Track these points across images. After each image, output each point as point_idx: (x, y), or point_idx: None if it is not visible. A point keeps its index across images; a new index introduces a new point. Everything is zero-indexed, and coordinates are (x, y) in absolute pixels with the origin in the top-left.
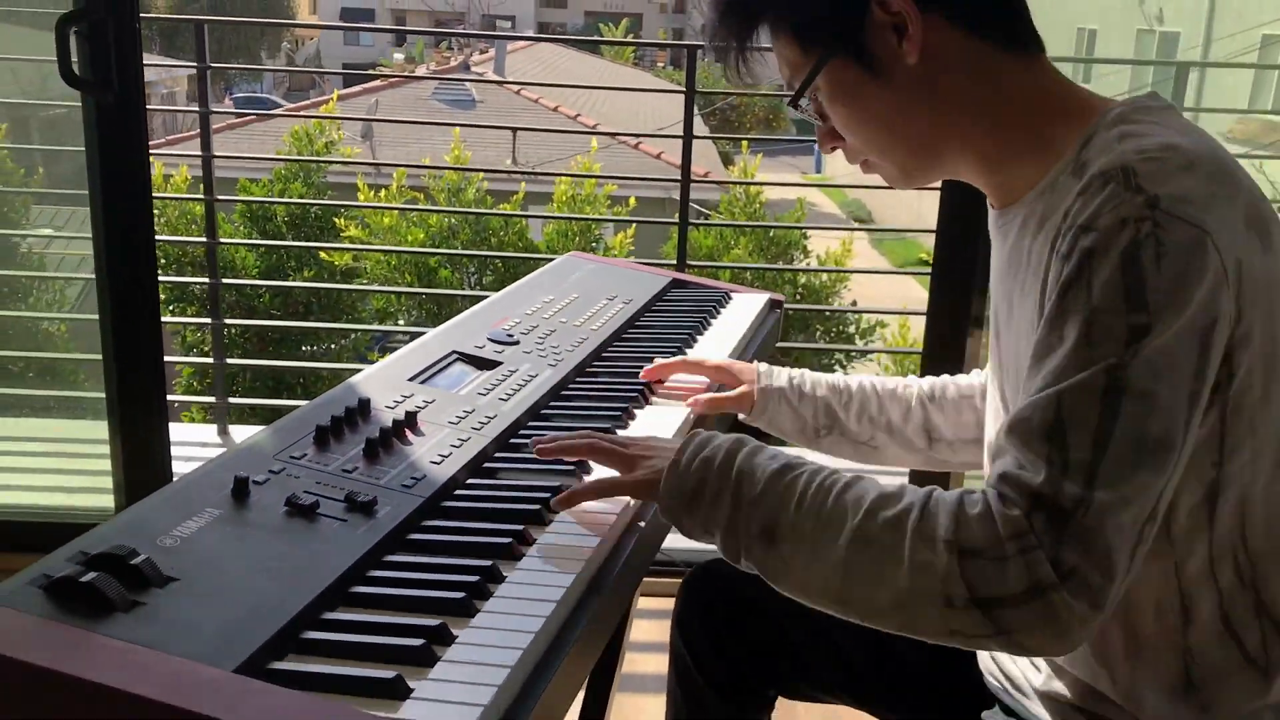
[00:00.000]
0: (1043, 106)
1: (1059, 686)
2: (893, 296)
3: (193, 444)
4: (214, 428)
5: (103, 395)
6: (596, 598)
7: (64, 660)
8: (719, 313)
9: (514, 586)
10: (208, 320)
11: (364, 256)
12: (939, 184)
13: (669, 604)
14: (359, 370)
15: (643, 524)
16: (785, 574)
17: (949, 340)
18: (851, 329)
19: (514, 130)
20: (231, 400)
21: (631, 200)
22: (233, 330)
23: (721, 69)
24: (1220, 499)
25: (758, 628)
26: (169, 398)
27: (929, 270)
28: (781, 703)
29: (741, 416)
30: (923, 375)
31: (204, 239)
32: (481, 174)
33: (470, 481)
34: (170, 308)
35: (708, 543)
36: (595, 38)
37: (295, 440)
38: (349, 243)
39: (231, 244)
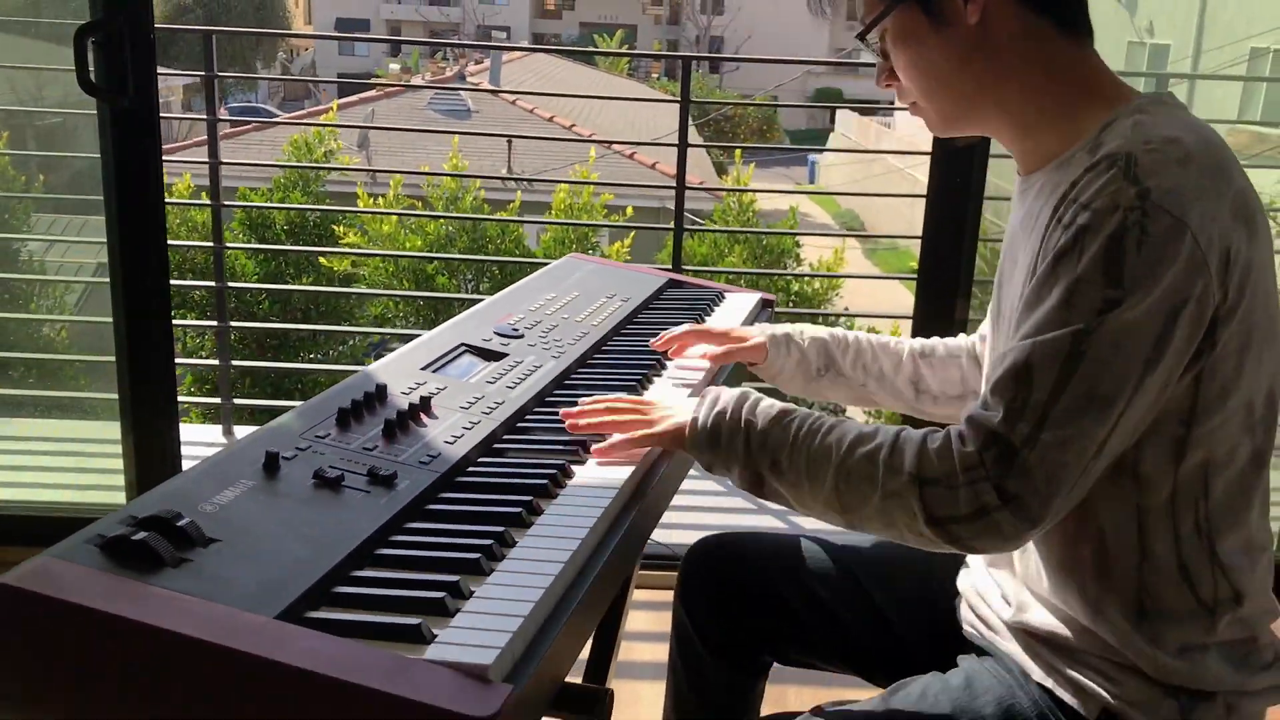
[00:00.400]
0: (1080, 86)
1: (1026, 619)
2: (886, 304)
3: (199, 444)
4: (219, 428)
5: (106, 396)
6: (600, 560)
7: (122, 606)
8: (713, 310)
9: (524, 549)
10: (213, 323)
11: (362, 263)
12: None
13: (666, 596)
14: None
15: (645, 493)
16: (796, 499)
17: None
18: None
19: (509, 140)
20: (237, 401)
21: (629, 209)
22: (233, 335)
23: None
24: (1187, 456)
25: (755, 597)
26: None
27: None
28: (775, 691)
29: (751, 366)
30: None
31: (211, 243)
32: (479, 183)
33: (481, 459)
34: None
35: (729, 477)
36: (590, 49)
37: (319, 421)
38: (348, 249)
39: (237, 249)
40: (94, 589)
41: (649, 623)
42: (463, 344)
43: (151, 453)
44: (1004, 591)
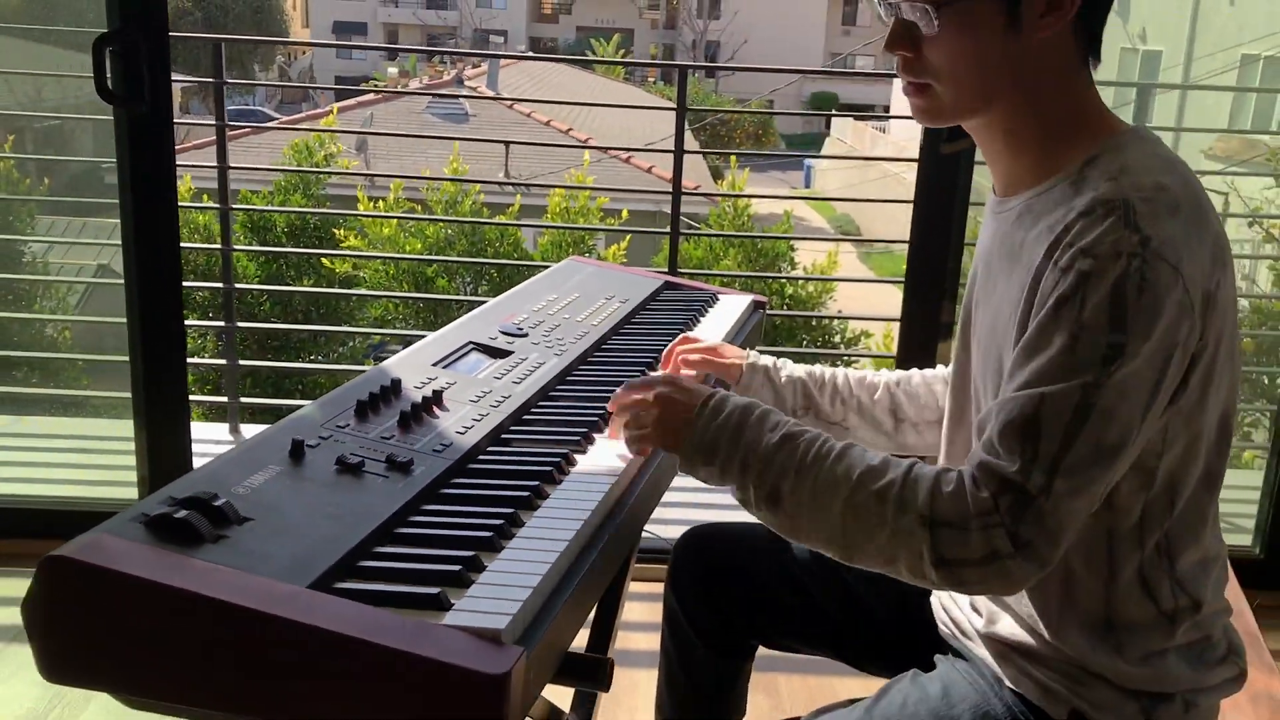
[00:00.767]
0: (1077, 116)
1: (996, 629)
2: (880, 306)
3: (207, 441)
4: (225, 426)
5: (118, 394)
6: (601, 539)
7: (169, 576)
8: (707, 311)
9: (532, 529)
10: (220, 324)
11: (363, 266)
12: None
13: (658, 588)
14: (364, 372)
15: (643, 480)
16: (791, 531)
17: (921, 344)
18: (837, 338)
19: (506, 145)
20: (243, 400)
21: (624, 213)
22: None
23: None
24: (1156, 481)
25: (742, 585)
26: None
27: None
28: (765, 679)
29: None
30: None
31: (219, 246)
32: (478, 187)
33: (490, 448)
34: None
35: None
36: (588, 58)
37: (339, 413)
38: (350, 252)
39: (244, 251)
40: (142, 561)
41: (644, 613)
42: (471, 342)
43: (163, 449)
44: (974, 602)
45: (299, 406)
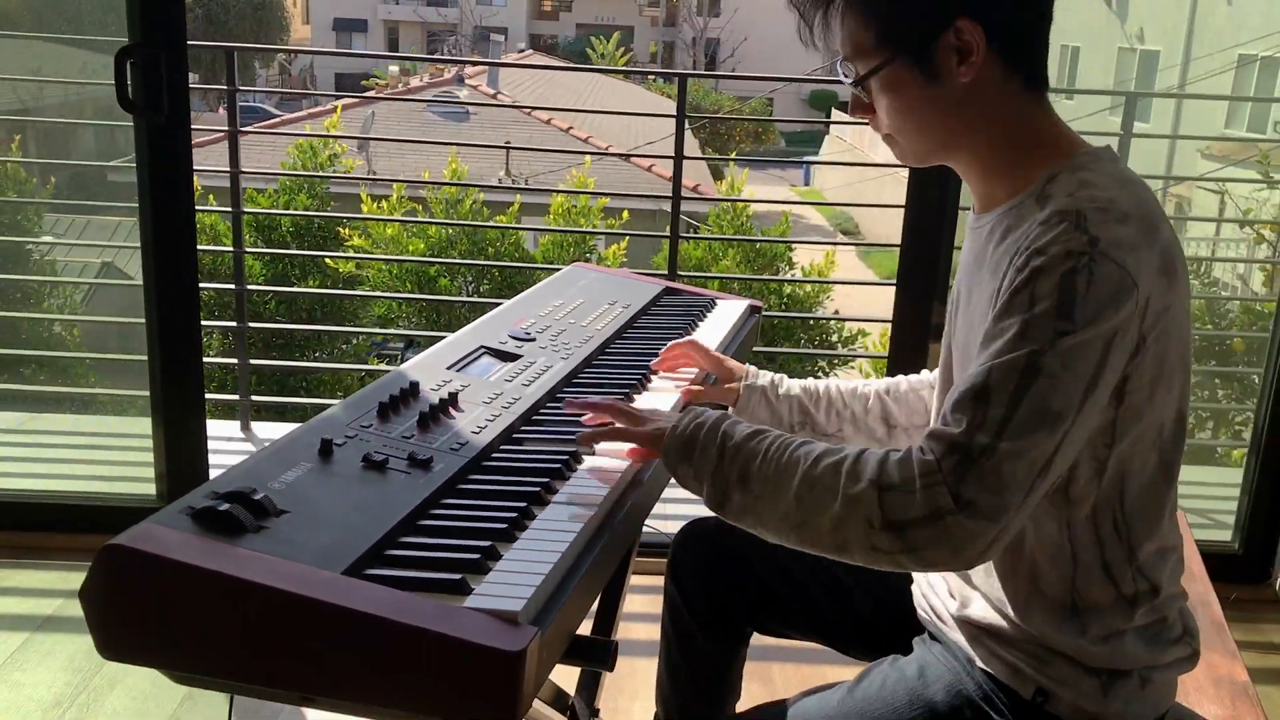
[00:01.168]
0: (1035, 138)
1: (968, 612)
2: (877, 306)
3: (220, 438)
4: (236, 424)
5: (124, 391)
6: (607, 530)
7: (217, 563)
8: (705, 316)
9: (544, 521)
10: (232, 323)
11: (366, 266)
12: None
13: (656, 581)
14: (369, 370)
15: (643, 479)
16: (756, 514)
17: (913, 345)
18: (834, 338)
19: (507, 150)
20: (254, 398)
21: (625, 214)
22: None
23: (801, 33)
24: (1107, 470)
25: (738, 574)
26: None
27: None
28: (760, 668)
29: (728, 410)
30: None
31: (231, 248)
32: (478, 186)
33: (503, 447)
34: None
35: (698, 493)
36: (587, 67)
37: (362, 413)
38: (354, 253)
39: (256, 253)
40: (191, 549)
41: (644, 605)
42: (482, 346)
43: (180, 446)
44: (949, 586)
45: (306, 404)
